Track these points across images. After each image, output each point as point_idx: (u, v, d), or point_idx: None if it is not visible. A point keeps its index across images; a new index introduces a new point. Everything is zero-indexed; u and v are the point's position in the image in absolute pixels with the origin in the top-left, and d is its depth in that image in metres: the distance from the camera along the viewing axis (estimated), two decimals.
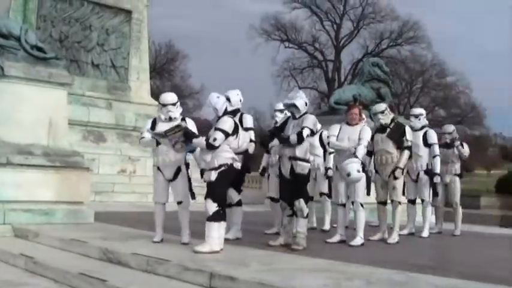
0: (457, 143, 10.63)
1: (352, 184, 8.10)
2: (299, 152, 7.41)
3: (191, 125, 7.35)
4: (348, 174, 7.93)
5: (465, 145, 10.75)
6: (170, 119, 7.36)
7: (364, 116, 8.87)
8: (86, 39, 17.02)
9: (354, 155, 7.99)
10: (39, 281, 6.46)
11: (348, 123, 8.35)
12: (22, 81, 9.64)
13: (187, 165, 7.48)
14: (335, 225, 8.78)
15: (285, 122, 7.77)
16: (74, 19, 16.76)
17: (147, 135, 7.47)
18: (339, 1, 51.90)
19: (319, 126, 9.72)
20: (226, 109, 7.14)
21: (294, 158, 7.42)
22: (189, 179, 7.46)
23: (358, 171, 7.91)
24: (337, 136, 8.28)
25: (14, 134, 9.40)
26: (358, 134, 8.13)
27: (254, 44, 51.26)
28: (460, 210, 10.64)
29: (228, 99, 8.26)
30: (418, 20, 51.22)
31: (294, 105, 7.55)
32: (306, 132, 7.36)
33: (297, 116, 7.57)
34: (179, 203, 7.49)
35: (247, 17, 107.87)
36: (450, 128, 10.93)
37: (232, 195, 8.17)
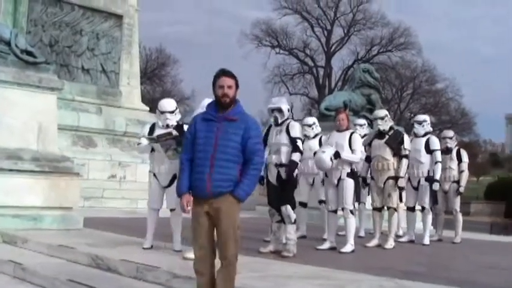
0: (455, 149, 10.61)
1: (341, 189, 8.07)
2: (285, 158, 7.46)
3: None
4: (323, 151, 7.92)
5: (464, 152, 10.70)
6: (167, 126, 7.36)
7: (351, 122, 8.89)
8: (76, 44, 16.93)
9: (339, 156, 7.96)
10: (27, 287, 6.40)
11: (337, 130, 8.37)
12: (12, 85, 9.55)
13: None
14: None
15: (268, 131, 7.78)
16: (64, 23, 16.66)
17: (144, 141, 7.48)
18: (329, 7, 52.18)
19: (318, 130, 9.77)
20: None
21: (280, 165, 7.48)
22: None
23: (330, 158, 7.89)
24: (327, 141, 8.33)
25: (3, 138, 9.32)
26: (347, 140, 8.11)
27: (245, 50, 51.38)
28: (460, 217, 10.60)
29: None
30: (409, 26, 51.66)
31: (279, 109, 7.60)
32: (300, 144, 7.53)
33: (280, 121, 7.60)
34: (172, 210, 7.46)
35: (239, 23, 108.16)
36: (450, 133, 10.96)
37: None
